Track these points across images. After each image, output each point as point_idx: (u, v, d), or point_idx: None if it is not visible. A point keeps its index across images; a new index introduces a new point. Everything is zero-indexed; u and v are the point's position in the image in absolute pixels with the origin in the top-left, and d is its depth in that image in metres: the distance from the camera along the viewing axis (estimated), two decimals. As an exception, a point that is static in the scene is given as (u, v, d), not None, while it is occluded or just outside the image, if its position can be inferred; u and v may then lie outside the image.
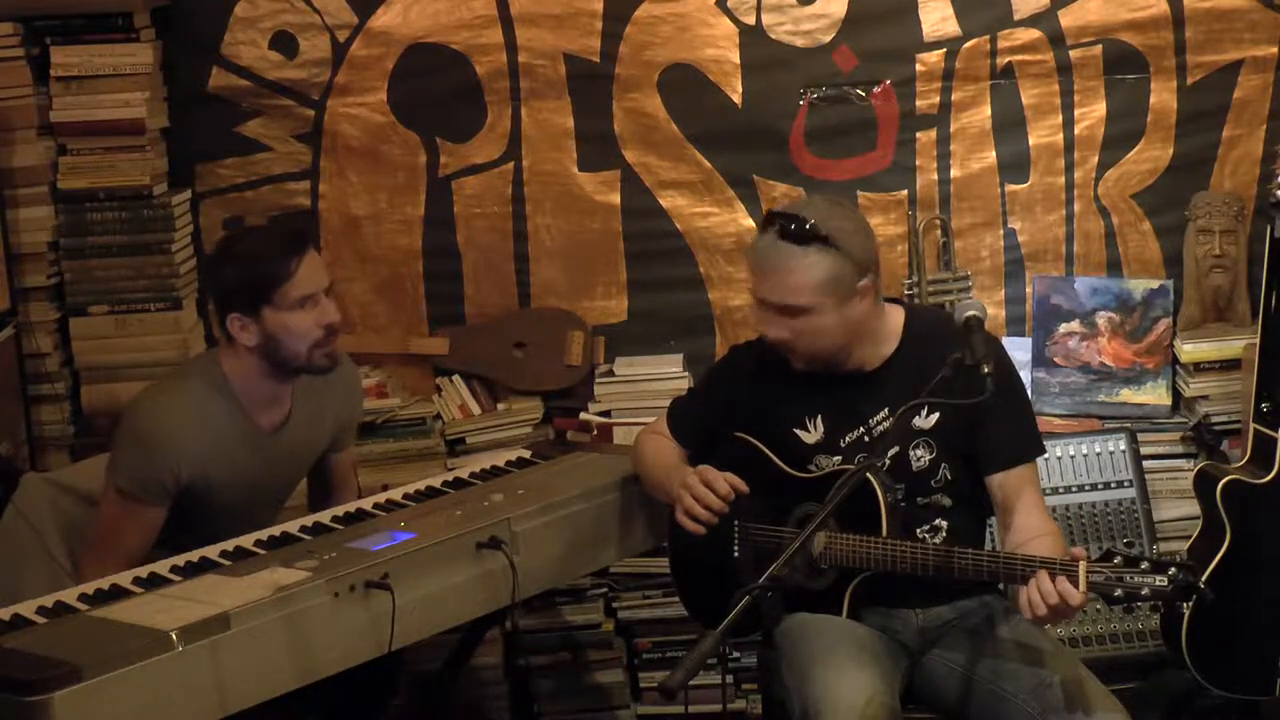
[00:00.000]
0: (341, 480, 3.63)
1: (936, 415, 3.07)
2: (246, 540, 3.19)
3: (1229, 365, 4.05)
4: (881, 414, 3.11)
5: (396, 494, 3.48)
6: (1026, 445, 3.11)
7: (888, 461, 3.05)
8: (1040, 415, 3.86)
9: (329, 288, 3.30)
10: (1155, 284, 4.20)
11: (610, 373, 4.27)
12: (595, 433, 4.16)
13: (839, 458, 3.13)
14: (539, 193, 4.28)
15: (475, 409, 4.30)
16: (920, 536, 3.09)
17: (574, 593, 4.19)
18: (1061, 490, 4.03)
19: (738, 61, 4.19)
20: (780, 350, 3.10)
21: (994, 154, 4.22)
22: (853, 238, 3.02)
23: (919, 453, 3.10)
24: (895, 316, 3.16)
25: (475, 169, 4.28)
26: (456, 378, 4.32)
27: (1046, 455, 3.98)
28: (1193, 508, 3.71)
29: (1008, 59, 4.18)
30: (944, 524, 3.11)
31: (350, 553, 3.04)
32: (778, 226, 3.00)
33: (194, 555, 3.12)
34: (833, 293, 2.99)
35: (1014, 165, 4.23)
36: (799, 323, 3.02)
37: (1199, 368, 4.09)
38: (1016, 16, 4.15)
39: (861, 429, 3.12)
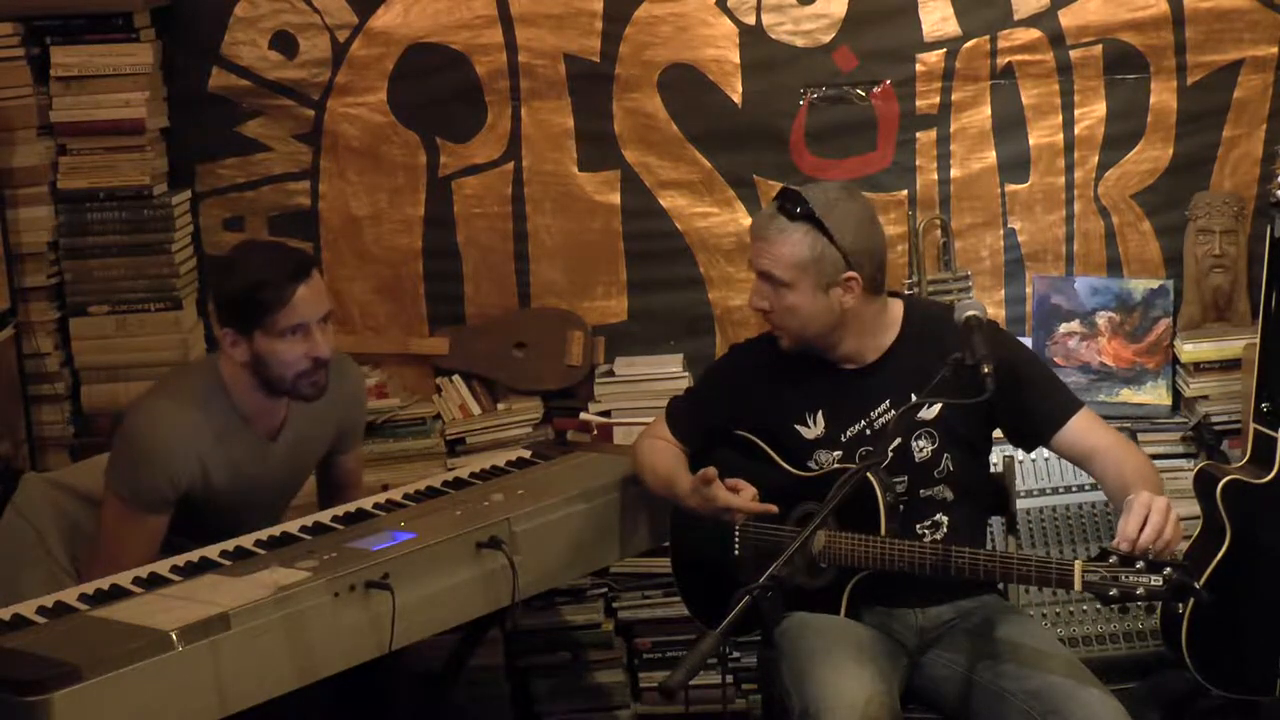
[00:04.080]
0: (348, 481, 3.63)
1: (939, 405, 3.07)
2: (246, 540, 3.19)
3: (1229, 365, 4.05)
4: (882, 406, 3.12)
5: (396, 494, 3.48)
6: (1069, 399, 3.15)
7: (890, 455, 3.05)
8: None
9: (326, 316, 3.28)
10: (1155, 284, 4.20)
11: (610, 373, 4.27)
12: (595, 433, 4.17)
13: (840, 453, 3.14)
14: (539, 193, 4.28)
15: (475, 409, 4.30)
16: (920, 533, 3.10)
17: (574, 593, 4.19)
18: (1061, 490, 4.03)
19: (738, 61, 4.19)
20: (767, 325, 3.18)
21: (994, 154, 4.22)
22: (848, 228, 3.06)
23: (921, 444, 3.11)
24: (895, 309, 3.18)
25: (475, 169, 4.28)
26: (456, 378, 4.32)
27: (1047, 455, 4.03)
28: (1193, 508, 3.70)
29: (1008, 59, 4.18)
30: (945, 519, 3.12)
31: (350, 553, 3.04)
32: (778, 200, 3.10)
33: (194, 555, 3.12)
34: (811, 274, 3.06)
35: (1014, 165, 4.23)
36: (777, 295, 3.10)
37: (1199, 368, 4.09)
38: (1016, 16, 4.15)
39: (863, 423, 3.13)
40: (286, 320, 3.21)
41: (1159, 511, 2.74)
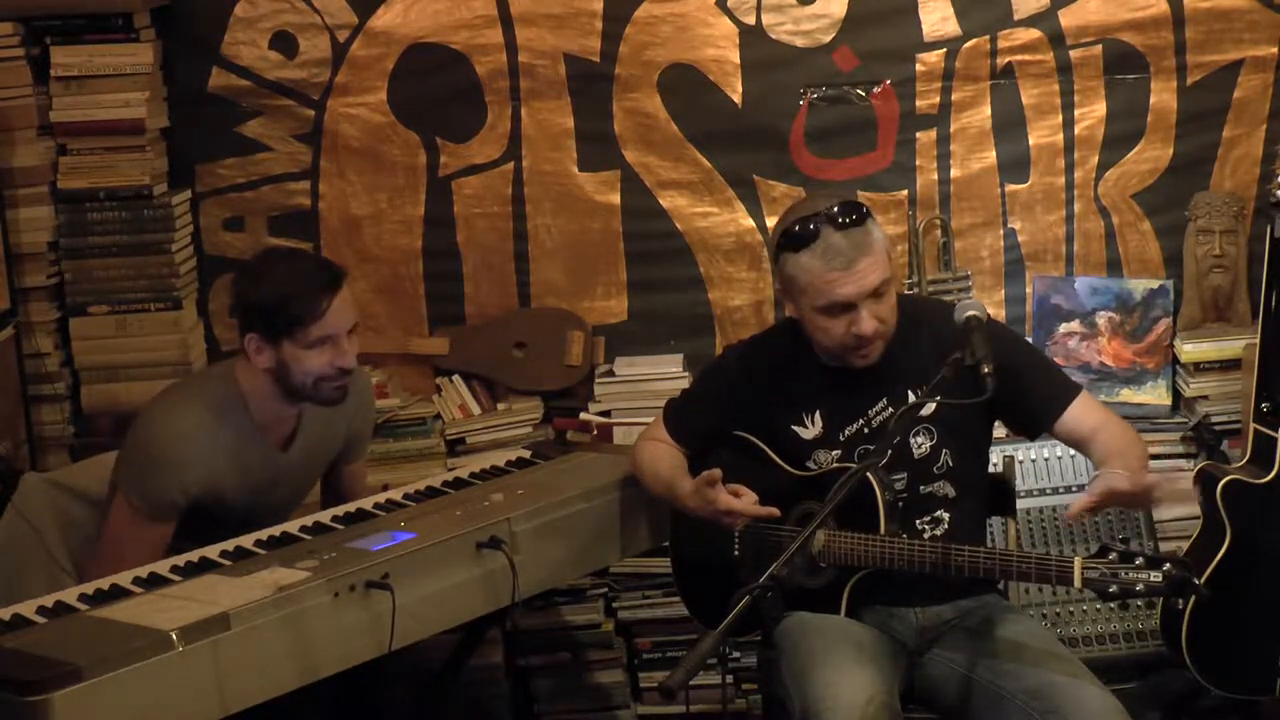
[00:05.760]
0: (352, 490, 3.61)
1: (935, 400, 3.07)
2: (246, 540, 3.19)
3: (1229, 365, 4.05)
4: (879, 404, 3.12)
5: (396, 494, 3.48)
6: (1067, 384, 3.16)
7: (889, 452, 3.05)
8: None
9: (354, 327, 3.30)
10: (1155, 284, 4.20)
11: (610, 373, 4.27)
12: (595, 433, 4.17)
13: (838, 452, 3.14)
14: (539, 193, 4.28)
15: (475, 409, 4.30)
16: (920, 529, 3.10)
17: (574, 593, 4.19)
18: (1062, 490, 4.03)
19: (738, 61, 4.19)
20: (859, 352, 3.06)
21: (994, 154, 4.22)
22: None
23: (919, 440, 3.11)
24: None
25: (475, 169, 4.28)
26: (456, 378, 4.32)
27: (1047, 455, 4.03)
28: (1193, 508, 3.71)
29: (1008, 59, 4.18)
30: (945, 515, 3.12)
31: (350, 552, 3.04)
32: (838, 219, 3.00)
33: (194, 555, 3.12)
34: (891, 255, 3.08)
35: (1014, 165, 4.23)
36: (886, 299, 3.04)
37: (1199, 368, 4.09)
38: (1016, 16, 4.15)
39: (860, 421, 3.13)
40: (319, 331, 3.22)
41: (1105, 492, 2.82)
